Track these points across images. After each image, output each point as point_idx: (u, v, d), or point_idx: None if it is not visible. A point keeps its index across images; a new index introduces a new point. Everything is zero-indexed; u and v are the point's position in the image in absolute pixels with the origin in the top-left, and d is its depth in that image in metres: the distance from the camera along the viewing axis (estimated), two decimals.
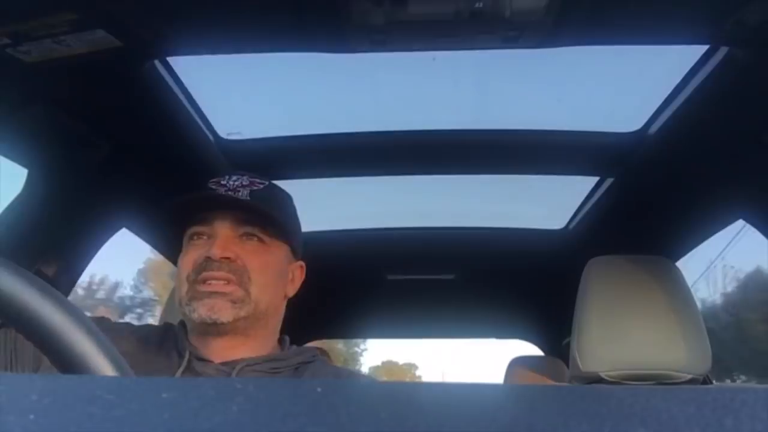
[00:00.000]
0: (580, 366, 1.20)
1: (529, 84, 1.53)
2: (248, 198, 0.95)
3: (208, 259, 0.90)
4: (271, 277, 0.95)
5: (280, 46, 1.08)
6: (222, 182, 0.97)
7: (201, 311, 0.89)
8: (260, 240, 0.95)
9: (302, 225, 1.08)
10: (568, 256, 1.77)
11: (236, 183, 0.97)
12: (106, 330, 0.39)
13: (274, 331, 0.99)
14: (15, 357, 0.87)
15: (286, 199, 1.04)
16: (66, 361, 0.35)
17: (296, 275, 1.02)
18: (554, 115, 1.50)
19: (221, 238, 0.92)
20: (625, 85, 1.58)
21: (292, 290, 1.02)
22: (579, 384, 1.21)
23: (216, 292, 0.89)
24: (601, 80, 1.54)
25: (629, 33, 0.99)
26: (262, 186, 0.99)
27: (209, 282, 0.90)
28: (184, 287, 0.92)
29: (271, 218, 0.95)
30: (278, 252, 0.97)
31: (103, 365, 0.35)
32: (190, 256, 0.93)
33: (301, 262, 1.04)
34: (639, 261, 1.29)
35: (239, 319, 0.90)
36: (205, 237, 0.94)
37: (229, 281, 0.90)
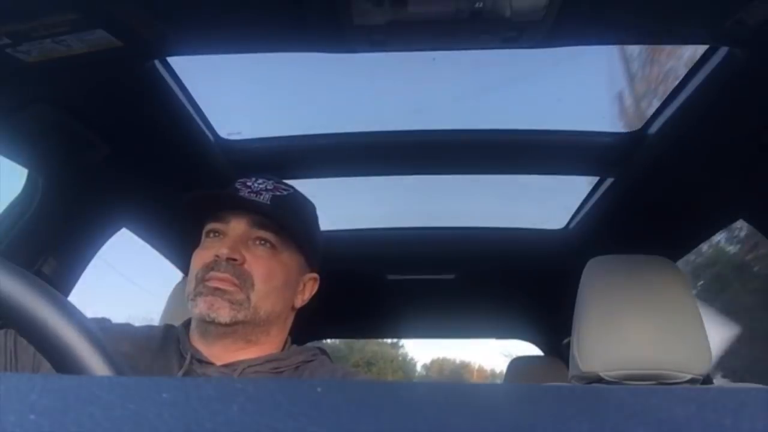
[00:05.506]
0: (580, 366, 1.20)
1: (529, 84, 1.53)
2: (268, 202, 0.95)
3: (216, 258, 0.91)
4: (275, 286, 0.94)
5: (281, 47, 1.08)
6: (248, 183, 0.98)
7: (201, 307, 0.90)
8: (272, 246, 0.95)
9: None
10: (568, 256, 1.77)
11: (260, 186, 0.97)
12: (107, 331, 0.40)
13: (277, 338, 0.98)
14: (15, 357, 0.86)
15: (307, 207, 1.04)
16: (64, 363, 0.35)
17: (308, 286, 1.02)
18: (554, 115, 1.50)
19: (232, 239, 0.93)
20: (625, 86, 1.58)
21: (301, 301, 1.01)
22: (579, 384, 1.21)
23: (217, 289, 0.90)
24: (601, 80, 1.54)
25: (629, 33, 0.99)
26: (285, 192, 0.99)
27: (213, 279, 0.91)
28: (192, 283, 0.93)
29: (286, 225, 0.95)
30: (289, 261, 0.97)
31: (101, 366, 0.35)
32: (202, 254, 0.94)
33: (315, 274, 1.03)
34: (639, 261, 1.29)
35: (237, 323, 0.90)
36: (220, 235, 0.95)
37: (230, 282, 0.90)
